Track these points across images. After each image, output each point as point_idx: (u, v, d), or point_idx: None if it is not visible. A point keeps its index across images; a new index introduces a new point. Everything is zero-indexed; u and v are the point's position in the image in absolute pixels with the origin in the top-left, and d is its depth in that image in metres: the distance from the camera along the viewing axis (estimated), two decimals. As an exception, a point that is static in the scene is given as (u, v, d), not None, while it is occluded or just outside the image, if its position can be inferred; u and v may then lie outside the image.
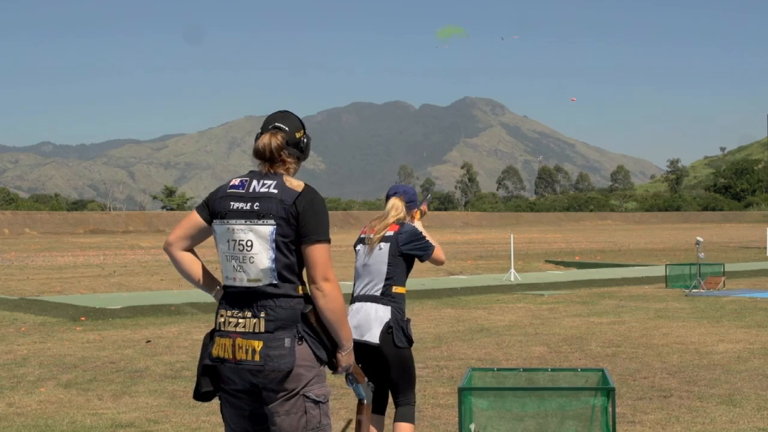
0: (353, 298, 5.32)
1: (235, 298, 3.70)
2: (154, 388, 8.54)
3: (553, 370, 6.14)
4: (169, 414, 7.44)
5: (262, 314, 3.61)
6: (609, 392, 5.44)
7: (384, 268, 5.22)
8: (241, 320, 3.64)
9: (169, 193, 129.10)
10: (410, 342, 5.26)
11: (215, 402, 3.96)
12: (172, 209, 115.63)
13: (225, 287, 3.77)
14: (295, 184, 3.67)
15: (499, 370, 6.39)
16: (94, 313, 14.75)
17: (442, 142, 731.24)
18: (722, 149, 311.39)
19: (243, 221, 3.66)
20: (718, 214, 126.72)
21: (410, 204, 5.52)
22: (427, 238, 5.37)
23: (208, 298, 17.07)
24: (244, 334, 3.62)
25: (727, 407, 7.40)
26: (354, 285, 5.38)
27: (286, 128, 3.78)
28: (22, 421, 7.25)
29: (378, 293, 5.22)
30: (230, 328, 3.66)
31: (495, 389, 5.81)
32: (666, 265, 21.52)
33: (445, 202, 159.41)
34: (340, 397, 7.98)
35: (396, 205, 5.44)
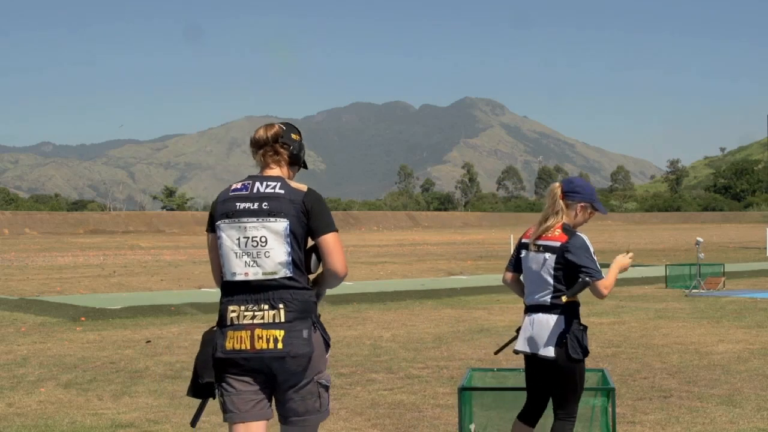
0: (526, 308, 5.01)
1: (247, 292, 3.86)
2: (154, 388, 8.54)
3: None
4: (169, 414, 7.44)
5: (281, 306, 3.82)
6: (609, 392, 5.43)
7: (550, 280, 4.85)
8: (258, 313, 3.83)
9: (169, 193, 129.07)
10: (585, 353, 4.87)
11: (215, 403, 4.00)
12: (172, 209, 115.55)
13: (230, 282, 3.91)
14: (299, 185, 3.93)
15: (499, 370, 6.39)
16: (94, 313, 14.74)
17: (442, 142, 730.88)
18: (722, 149, 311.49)
19: (255, 219, 3.86)
20: (718, 215, 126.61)
21: (571, 195, 4.96)
22: (596, 262, 4.83)
23: (209, 298, 17.06)
24: (264, 325, 3.81)
25: (727, 407, 7.40)
26: (525, 293, 5.07)
27: (283, 126, 4.07)
28: (22, 421, 7.25)
29: (547, 303, 4.87)
30: (246, 321, 3.83)
31: (495, 389, 5.81)
32: (666, 265, 21.51)
33: (445, 203, 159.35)
34: (340, 398, 7.98)
35: (552, 191, 4.97)
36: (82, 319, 14.28)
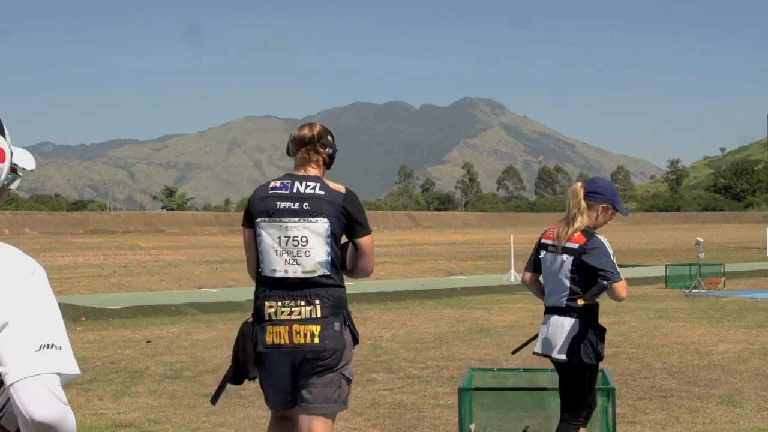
0: (545, 309, 4.99)
1: (284, 288, 4.04)
2: (154, 388, 8.54)
3: (553, 370, 6.13)
4: (169, 414, 7.44)
5: (317, 302, 4.02)
6: (609, 392, 5.44)
7: (567, 283, 4.81)
8: (295, 308, 4.02)
9: (170, 193, 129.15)
10: (599, 358, 4.84)
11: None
12: (172, 209, 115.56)
13: (268, 278, 4.07)
14: (337, 186, 4.14)
15: (499, 370, 6.41)
16: (94, 313, 14.76)
17: (442, 142, 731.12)
18: (722, 149, 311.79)
19: (296, 219, 4.04)
20: (718, 215, 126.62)
21: (593, 195, 4.86)
22: (615, 265, 4.77)
23: (209, 298, 17.08)
24: (301, 321, 4.00)
25: (727, 407, 7.40)
26: (544, 294, 5.04)
27: (321, 128, 4.26)
28: (22, 421, 7.24)
29: (563, 305, 4.84)
30: (284, 317, 4.02)
31: (495, 389, 5.82)
32: (666, 265, 21.52)
33: (445, 203, 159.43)
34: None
35: (575, 191, 4.88)
36: (82, 319, 14.29)
